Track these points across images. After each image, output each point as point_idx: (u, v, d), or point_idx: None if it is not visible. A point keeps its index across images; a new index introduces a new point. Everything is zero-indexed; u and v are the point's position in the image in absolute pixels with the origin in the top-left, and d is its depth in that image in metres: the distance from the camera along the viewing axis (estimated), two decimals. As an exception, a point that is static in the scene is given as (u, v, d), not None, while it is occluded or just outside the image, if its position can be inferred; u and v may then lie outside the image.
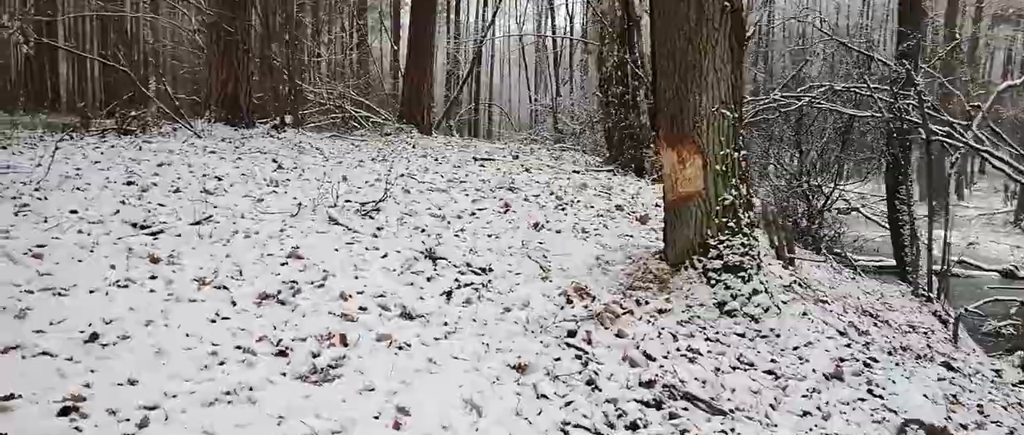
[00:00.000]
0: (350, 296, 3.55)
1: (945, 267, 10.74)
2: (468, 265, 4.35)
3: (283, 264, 3.90)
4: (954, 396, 4.38)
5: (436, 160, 9.02)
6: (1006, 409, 4.85)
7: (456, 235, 5.09)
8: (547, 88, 30.01)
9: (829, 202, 13.39)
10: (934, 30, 20.27)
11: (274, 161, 7.31)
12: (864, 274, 11.58)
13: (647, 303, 4.15)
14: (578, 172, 9.07)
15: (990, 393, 5.14)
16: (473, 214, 5.75)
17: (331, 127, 15.02)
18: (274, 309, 3.30)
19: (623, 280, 4.51)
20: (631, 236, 5.65)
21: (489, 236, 5.17)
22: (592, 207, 6.52)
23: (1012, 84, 15.21)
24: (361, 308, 3.45)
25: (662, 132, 4.56)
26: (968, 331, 10.91)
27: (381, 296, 3.65)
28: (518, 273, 4.42)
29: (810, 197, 13.11)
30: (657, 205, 7.21)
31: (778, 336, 4.17)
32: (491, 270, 4.36)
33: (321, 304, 3.41)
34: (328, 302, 3.44)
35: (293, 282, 3.61)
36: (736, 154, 4.42)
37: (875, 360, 4.32)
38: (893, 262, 17.26)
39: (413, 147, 10.79)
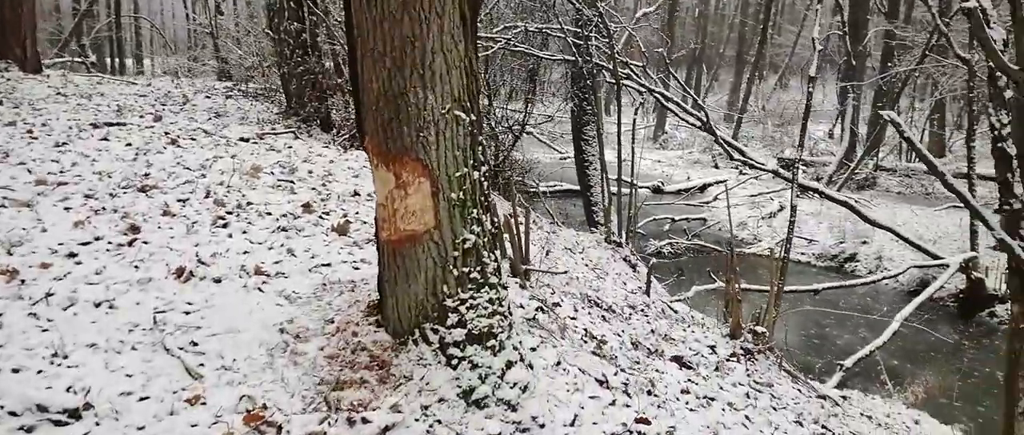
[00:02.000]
0: None
1: (631, 214, 11.06)
2: (42, 409, 2.42)
3: None
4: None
5: (30, 131, 6.22)
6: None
7: (32, 314, 3.02)
8: (206, 4, 25.69)
9: (516, 141, 13.22)
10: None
11: None
12: (561, 223, 11.53)
13: (367, 420, 2.70)
14: (247, 139, 7.05)
15: (728, 396, 4.83)
16: (73, 256, 3.62)
17: None
18: None
19: (325, 372, 2.97)
20: (328, 264, 4.06)
21: (97, 306, 3.18)
22: (269, 213, 4.73)
23: (646, 11, 16.44)
24: None
25: (370, 143, 3.04)
26: (640, 254, 11.56)
27: None
28: (144, 397, 2.61)
29: (498, 138, 12.76)
30: (356, 194, 5.67)
31: (542, 426, 3.07)
32: (90, 406, 2.49)
33: None
34: None
35: None
36: (477, 173, 3.09)
37: (645, 423, 3.49)
38: (573, 187, 18.11)
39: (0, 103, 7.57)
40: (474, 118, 3.07)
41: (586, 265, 7.72)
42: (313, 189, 5.52)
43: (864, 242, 15.43)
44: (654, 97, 12.10)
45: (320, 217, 4.87)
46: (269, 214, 4.69)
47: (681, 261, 14.82)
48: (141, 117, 7.68)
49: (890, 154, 24.96)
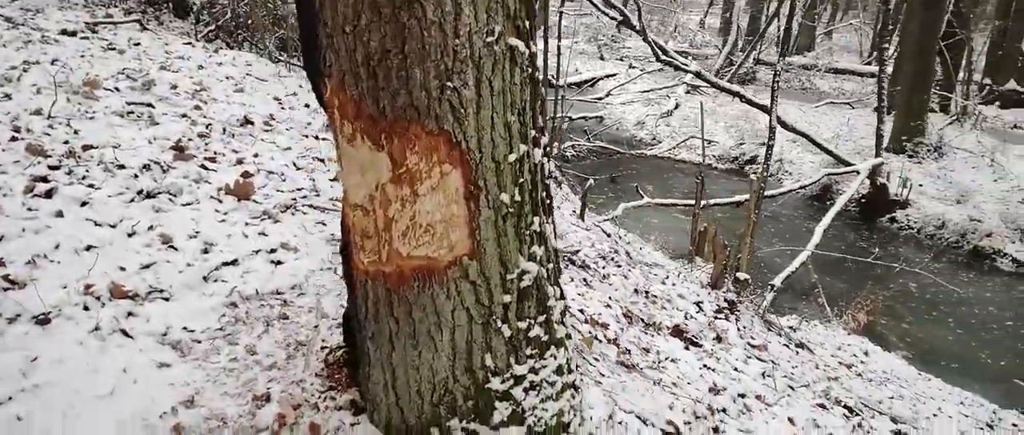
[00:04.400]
0: None
1: (557, 124, 9.89)
2: None
3: None
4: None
5: None
6: None
7: None
8: None
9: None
10: None
11: None
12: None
13: None
14: (74, 33, 5.00)
15: (750, 381, 4.01)
16: None
17: None
18: None
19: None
20: (234, 262, 2.54)
21: None
22: (121, 165, 3.02)
23: None
24: None
25: (339, 94, 1.56)
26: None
27: None
28: None
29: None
30: (248, 122, 4.00)
31: None
32: None
33: None
34: None
35: None
36: (538, 151, 1.72)
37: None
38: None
39: None
40: (534, 51, 1.66)
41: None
42: (184, 116, 3.80)
43: (763, 143, 15.24)
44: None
45: (203, 167, 3.24)
46: (122, 167, 3.00)
47: (586, 164, 14.04)
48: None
49: (768, 47, 25.17)
